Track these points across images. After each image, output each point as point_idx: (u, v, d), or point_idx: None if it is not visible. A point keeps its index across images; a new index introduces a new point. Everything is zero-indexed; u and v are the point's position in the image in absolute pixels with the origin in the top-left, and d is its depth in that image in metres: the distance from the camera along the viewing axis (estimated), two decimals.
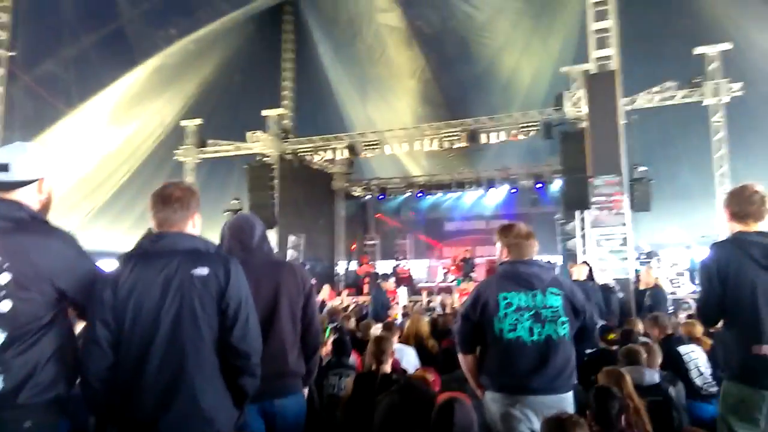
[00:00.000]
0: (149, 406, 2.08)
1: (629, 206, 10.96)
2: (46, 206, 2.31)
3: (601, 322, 6.01)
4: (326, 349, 4.71)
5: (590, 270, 9.16)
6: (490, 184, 18.55)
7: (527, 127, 14.53)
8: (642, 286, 8.47)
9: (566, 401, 2.93)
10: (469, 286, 13.73)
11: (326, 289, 11.67)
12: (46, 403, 2.06)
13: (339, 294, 13.99)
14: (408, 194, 20.08)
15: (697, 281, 12.69)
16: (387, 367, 3.85)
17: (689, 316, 8.05)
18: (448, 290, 15.26)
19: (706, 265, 2.87)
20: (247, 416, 2.49)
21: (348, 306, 11.18)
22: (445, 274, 18.37)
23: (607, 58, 10.86)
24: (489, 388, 3.05)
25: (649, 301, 7.73)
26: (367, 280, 16.56)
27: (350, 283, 18.49)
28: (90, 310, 2.15)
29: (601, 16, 10.92)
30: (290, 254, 15.90)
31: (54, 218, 2.31)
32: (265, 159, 16.35)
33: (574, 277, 7.72)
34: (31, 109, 14.73)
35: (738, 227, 2.88)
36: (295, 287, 2.88)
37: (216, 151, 16.85)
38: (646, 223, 14.27)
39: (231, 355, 2.20)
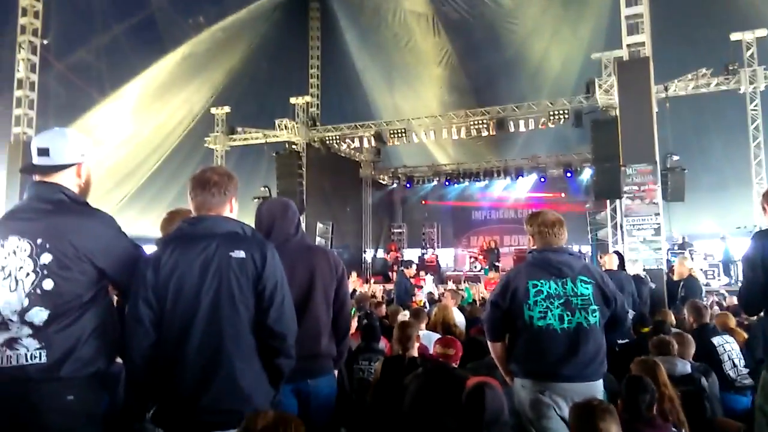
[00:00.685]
0: (189, 383, 2.13)
1: (662, 196, 10.75)
2: (85, 189, 2.37)
3: (631, 313, 5.94)
4: (352, 331, 4.74)
5: (621, 260, 9.03)
6: (519, 172, 18.40)
7: (556, 115, 14.33)
8: (676, 277, 8.29)
9: (596, 389, 2.92)
10: (496, 276, 13.68)
11: (354, 276, 11.73)
12: (87, 378, 2.14)
13: (367, 281, 14.06)
14: (435, 183, 20.00)
15: (731, 273, 12.46)
16: (413, 352, 3.88)
17: (723, 308, 7.92)
18: (475, 279, 15.22)
19: (750, 254, 2.84)
20: (281, 395, 2.54)
21: (375, 292, 11.24)
22: (472, 263, 18.31)
23: (640, 44, 10.61)
24: (518, 375, 3.05)
25: (683, 292, 7.57)
26: (395, 267, 16.64)
27: (378, 270, 18.57)
28: (133, 289, 2.20)
29: (633, 1, 10.67)
30: (318, 241, 16.03)
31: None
32: (293, 147, 16.45)
33: (606, 267, 7.60)
34: (65, 97, 15.05)
35: None
36: (328, 272, 2.91)
37: (245, 139, 17.02)
38: (680, 214, 13.99)
39: (267, 336, 2.24)
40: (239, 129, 17.02)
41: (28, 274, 2.12)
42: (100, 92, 15.49)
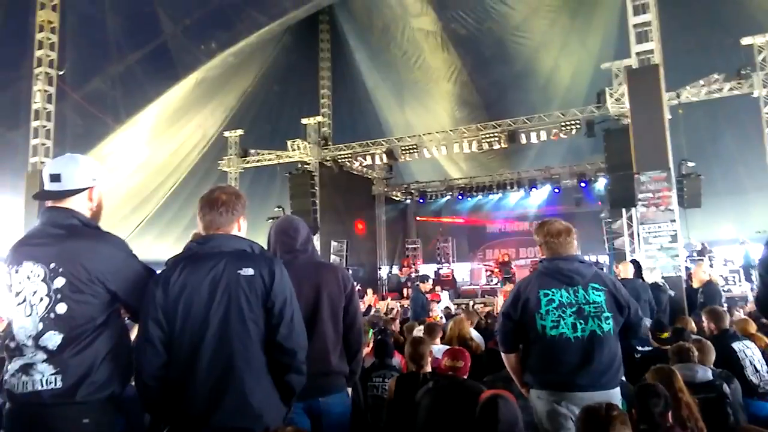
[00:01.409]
0: (200, 402, 2.14)
1: (677, 202, 10.64)
2: (96, 213, 2.41)
3: (648, 321, 5.86)
4: (367, 350, 4.72)
5: (639, 268, 8.92)
6: (532, 184, 18.31)
7: (568, 125, 14.29)
8: (695, 284, 8.16)
9: (613, 397, 2.87)
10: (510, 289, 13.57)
11: (370, 293, 11.70)
12: (102, 401, 2.16)
13: (383, 298, 14.02)
14: (448, 197, 19.98)
15: (753, 278, 12.25)
16: (427, 368, 3.84)
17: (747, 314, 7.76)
18: (492, 292, 15.11)
19: (765, 257, 2.79)
20: (293, 414, 2.54)
21: (393, 309, 11.19)
22: (488, 276, 18.20)
23: (649, 52, 10.57)
24: (534, 386, 3.02)
25: (702, 299, 7.45)
26: (409, 283, 16.58)
27: (393, 287, 18.52)
28: (143, 310, 2.22)
29: (641, 9, 10.66)
30: (333, 260, 16.04)
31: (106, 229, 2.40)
32: (305, 167, 16.57)
33: (621, 276, 7.52)
34: (81, 126, 15.33)
35: None
36: (336, 287, 2.91)
37: (258, 161, 17.18)
38: (698, 221, 13.84)
39: (277, 353, 2.25)
40: (252, 151, 17.18)
41: (41, 299, 2.15)
42: (116, 120, 15.76)
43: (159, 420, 2.30)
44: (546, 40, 17.14)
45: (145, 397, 2.24)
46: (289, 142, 16.44)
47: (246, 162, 17.20)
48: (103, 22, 15.16)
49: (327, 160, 17.02)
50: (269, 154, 17.06)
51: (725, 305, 7.71)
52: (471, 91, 18.51)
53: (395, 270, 19.95)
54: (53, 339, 2.12)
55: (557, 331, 2.92)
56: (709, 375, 3.75)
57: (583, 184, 17.52)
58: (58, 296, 2.15)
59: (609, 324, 2.94)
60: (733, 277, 12.89)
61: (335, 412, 2.80)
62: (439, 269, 19.16)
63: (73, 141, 14.75)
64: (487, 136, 15.22)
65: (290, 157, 16.69)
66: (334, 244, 16.61)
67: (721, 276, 12.29)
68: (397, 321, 7.43)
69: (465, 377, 3.47)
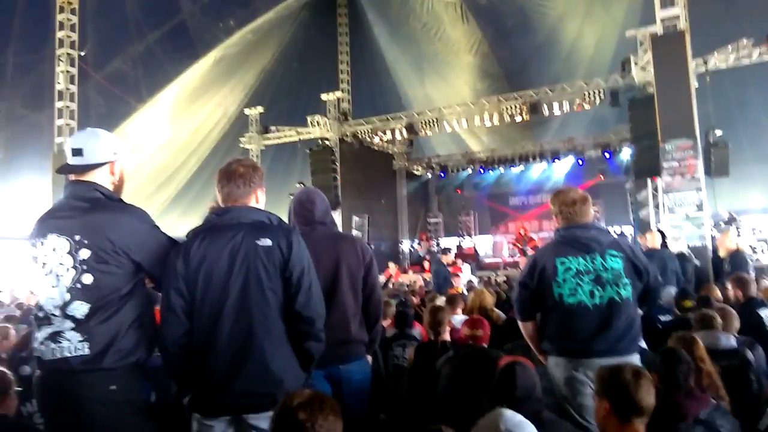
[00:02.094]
0: (222, 369, 2.19)
1: (704, 171, 10.42)
2: (118, 187, 2.47)
3: (673, 290, 5.80)
4: (386, 322, 4.78)
5: (664, 238, 8.80)
6: (555, 156, 18.01)
7: (592, 95, 14.01)
8: (722, 253, 8.01)
9: (632, 363, 2.87)
10: None
11: (392, 266, 11.75)
12: (128, 368, 2.23)
13: (405, 272, 14.09)
14: (470, 170, 19.83)
15: None
16: (446, 336, 3.89)
17: None
18: (514, 265, 15.07)
19: None
20: (314, 381, 2.59)
21: (415, 282, 11.23)
22: (511, 248, 18.14)
23: (675, 17, 10.28)
24: (551, 354, 3.03)
25: (729, 268, 7.31)
26: (428, 257, 16.62)
27: (414, 260, 18.61)
28: (165, 280, 2.28)
29: None
30: (355, 235, 16.12)
31: None
32: (326, 142, 16.58)
33: (649, 245, 7.42)
34: (104, 106, 15.54)
35: None
36: (354, 258, 2.94)
37: (279, 137, 17.23)
38: (726, 190, 13.54)
39: (296, 321, 2.29)
40: (273, 128, 17.22)
41: (68, 270, 2.21)
42: (138, 99, 15.93)
43: (183, 386, 2.37)
44: (569, 8, 16.74)
45: (168, 364, 2.30)
46: (309, 118, 16.43)
47: (267, 139, 17.26)
48: (122, 1, 15.25)
49: (347, 136, 16.99)
50: (290, 130, 17.09)
51: (753, 274, 7.58)
52: (492, 63, 18.23)
53: (416, 244, 20.00)
54: (81, 309, 2.19)
55: (575, 299, 2.92)
56: (733, 342, 3.72)
57: (607, 155, 17.21)
58: (84, 267, 2.20)
59: (627, 290, 2.93)
60: (761, 246, 12.65)
61: (355, 378, 2.85)
62: (461, 242, 19.12)
63: (96, 121, 14.96)
64: (509, 108, 15.00)
65: (310, 133, 16.70)
66: (355, 219, 16.67)
67: (750, 246, 12.06)
68: (419, 295, 7.46)
69: (485, 345, 3.50)
